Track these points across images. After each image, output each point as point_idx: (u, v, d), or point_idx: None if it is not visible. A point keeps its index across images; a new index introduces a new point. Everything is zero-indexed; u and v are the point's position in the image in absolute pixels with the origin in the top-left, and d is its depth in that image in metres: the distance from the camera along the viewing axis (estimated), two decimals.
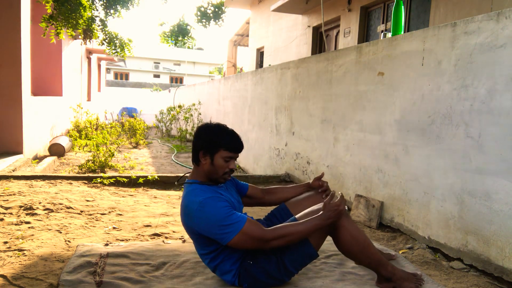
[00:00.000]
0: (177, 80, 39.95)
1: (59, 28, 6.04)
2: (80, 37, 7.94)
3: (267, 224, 2.20)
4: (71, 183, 4.37)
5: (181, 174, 4.96)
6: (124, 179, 4.55)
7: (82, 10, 6.02)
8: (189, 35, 10.78)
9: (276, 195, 2.34)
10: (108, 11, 7.29)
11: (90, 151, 7.44)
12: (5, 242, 2.65)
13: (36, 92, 8.05)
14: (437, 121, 2.69)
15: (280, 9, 9.17)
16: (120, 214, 3.43)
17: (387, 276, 2.01)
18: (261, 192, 2.35)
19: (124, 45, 7.56)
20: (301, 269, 2.03)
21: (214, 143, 1.94)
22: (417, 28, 6.02)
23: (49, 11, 5.88)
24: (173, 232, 3.06)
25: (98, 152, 6.11)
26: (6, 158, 5.37)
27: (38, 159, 6.47)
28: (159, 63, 40.19)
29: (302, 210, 2.09)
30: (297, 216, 2.00)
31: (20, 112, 5.79)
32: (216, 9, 10.16)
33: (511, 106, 2.19)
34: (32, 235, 2.81)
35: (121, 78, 38.53)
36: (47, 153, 7.10)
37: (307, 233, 1.89)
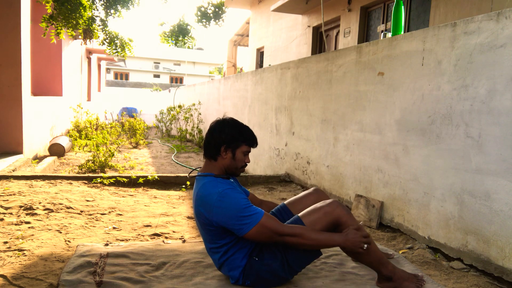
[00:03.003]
0: (177, 80, 39.95)
1: (59, 28, 6.04)
2: (80, 37, 7.94)
3: None
4: (71, 183, 4.37)
5: (182, 174, 4.96)
6: (124, 179, 4.55)
7: (82, 10, 6.02)
8: (189, 35, 10.76)
9: (272, 207, 2.34)
10: (108, 11, 7.28)
11: (90, 151, 7.45)
12: (5, 242, 2.65)
13: (36, 92, 8.05)
14: (437, 121, 2.69)
15: (280, 9, 9.17)
16: (120, 214, 3.43)
17: (388, 275, 2.01)
18: (259, 201, 2.36)
19: (124, 45, 7.55)
20: (304, 268, 2.04)
21: (237, 138, 2.01)
22: (417, 28, 6.02)
23: (49, 11, 5.88)
24: (173, 232, 3.06)
25: (98, 152, 6.11)
26: (6, 158, 5.37)
27: (38, 159, 6.47)
28: (159, 63, 40.19)
29: (303, 208, 2.10)
30: (300, 214, 2.01)
31: (20, 112, 5.79)
32: (216, 9, 10.15)
33: (511, 106, 2.19)
34: (32, 235, 2.81)
35: (121, 78, 38.54)
36: (47, 153, 7.10)
37: (323, 246, 1.91)
